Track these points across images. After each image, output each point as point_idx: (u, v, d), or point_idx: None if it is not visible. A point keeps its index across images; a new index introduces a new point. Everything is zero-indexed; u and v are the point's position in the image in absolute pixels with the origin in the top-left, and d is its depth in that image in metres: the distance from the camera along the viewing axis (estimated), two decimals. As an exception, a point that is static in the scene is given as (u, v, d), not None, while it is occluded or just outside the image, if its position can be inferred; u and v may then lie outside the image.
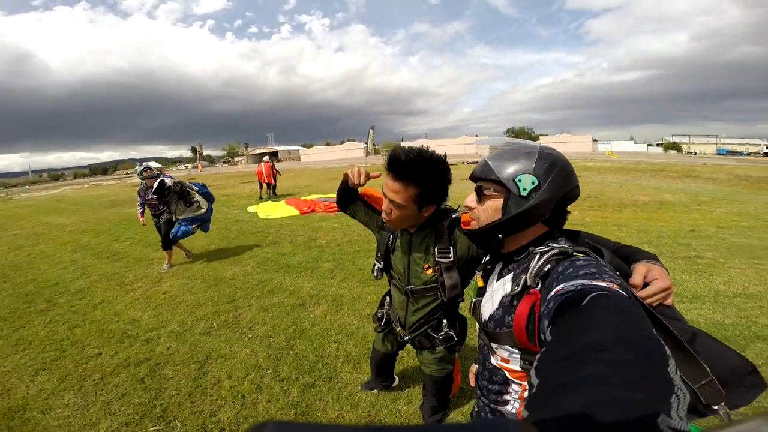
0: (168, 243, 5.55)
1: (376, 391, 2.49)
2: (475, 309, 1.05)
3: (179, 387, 2.67)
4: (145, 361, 3.04)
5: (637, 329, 0.47)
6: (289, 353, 3.03)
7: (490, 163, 0.94)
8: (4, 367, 3.10)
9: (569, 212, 0.97)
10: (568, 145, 52.26)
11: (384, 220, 1.46)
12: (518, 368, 0.91)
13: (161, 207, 5.47)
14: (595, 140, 58.15)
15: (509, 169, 0.90)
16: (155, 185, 5.23)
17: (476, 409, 1.10)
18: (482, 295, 1.04)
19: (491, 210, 0.93)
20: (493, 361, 0.98)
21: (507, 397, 0.95)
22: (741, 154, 60.72)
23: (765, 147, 64.40)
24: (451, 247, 1.47)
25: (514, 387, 0.93)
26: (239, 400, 2.51)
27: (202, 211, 5.54)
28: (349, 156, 53.19)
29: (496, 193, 0.93)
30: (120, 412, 2.46)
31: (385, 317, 1.96)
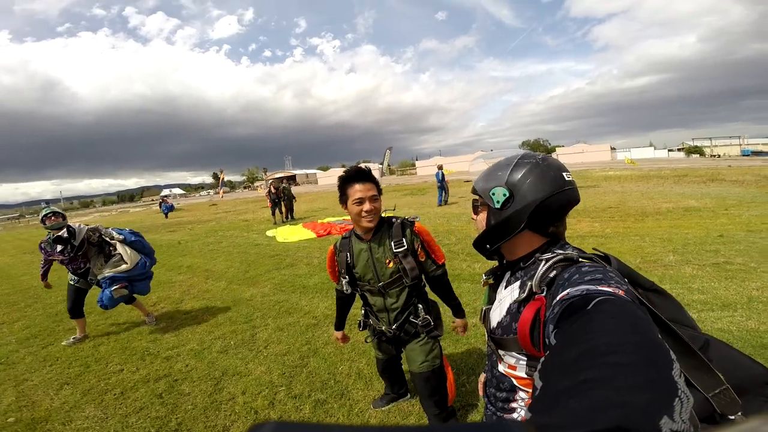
0: (78, 310, 4.08)
1: (386, 408, 2.48)
2: (485, 317, 1.06)
3: (195, 402, 2.73)
4: (164, 377, 3.13)
5: (641, 333, 0.47)
6: (302, 371, 3.06)
7: (477, 179, 1.02)
8: (31, 381, 3.25)
9: (560, 219, 0.95)
10: (586, 155, 50.99)
11: (368, 221, 1.81)
12: (525, 375, 0.91)
13: (82, 264, 4.03)
14: (613, 149, 56.22)
15: (486, 184, 0.96)
16: (62, 235, 3.90)
17: (484, 419, 1.10)
18: (492, 304, 1.06)
19: (482, 222, 1.01)
20: (500, 368, 0.98)
21: (514, 404, 0.95)
22: (767, 154, 58.28)
23: (793, 145, 62.33)
24: (403, 239, 1.85)
25: (521, 394, 0.93)
26: (252, 415, 2.54)
27: (125, 267, 3.99)
28: (365, 178, 53.66)
29: (483, 207, 1.00)
30: (137, 425, 2.53)
31: (364, 322, 2.20)
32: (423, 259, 1.91)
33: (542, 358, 0.52)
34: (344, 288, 2.01)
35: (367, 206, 1.77)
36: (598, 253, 0.88)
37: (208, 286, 5.94)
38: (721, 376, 0.65)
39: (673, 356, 0.42)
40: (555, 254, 0.85)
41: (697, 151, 67.51)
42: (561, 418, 0.34)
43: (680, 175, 17.65)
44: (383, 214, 1.96)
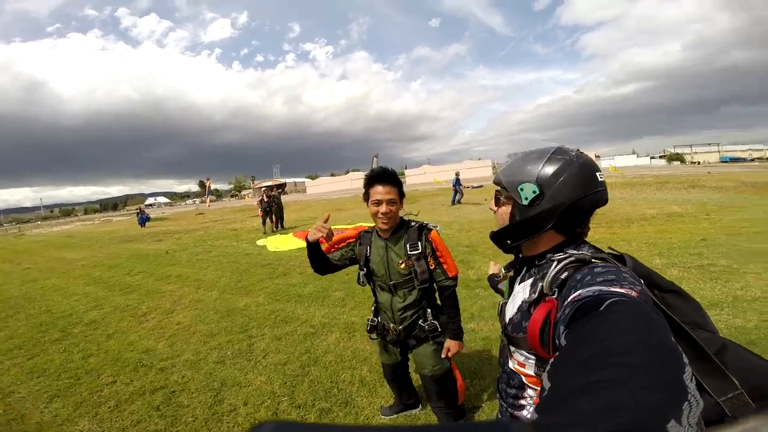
0: None
1: (395, 416, 2.46)
2: (501, 311, 1.06)
3: (195, 414, 2.66)
4: (160, 389, 3.04)
5: (654, 335, 0.46)
6: (304, 380, 3.01)
7: (502, 169, 0.98)
8: (18, 393, 3.12)
9: (587, 219, 0.93)
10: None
11: (383, 222, 1.87)
12: (533, 373, 0.90)
13: None
14: (597, 156, 57.33)
15: (514, 177, 0.91)
16: None
17: (499, 414, 1.09)
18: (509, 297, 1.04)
19: (504, 215, 0.97)
20: (510, 364, 0.98)
21: (523, 401, 0.94)
22: (744, 160, 61.23)
23: (768, 151, 65.02)
24: (419, 243, 1.90)
25: (530, 392, 0.93)
26: (256, 426, 2.48)
27: None
28: (354, 186, 52.96)
29: (507, 200, 0.96)
30: (137, 438, 2.45)
31: (372, 323, 2.13)
32: (432, 268, 1.93)
33: (552, 359, 0.51)
34: (361, 280, 2.06)
35: (383, 208, 1.83)
36: (614, 252, 0.88)
37: (200, 295, 5.81)
38: (735, 381, 0.64)
39: (686, 360, 0.42)
40: (567, 255, 0.83)
41: (678, 158, 70.20)
42: (570, 418, 0.34)
43: (662, 182, 18.20)
44: (406, 217, 2.04)
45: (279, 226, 14.07)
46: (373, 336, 2.18)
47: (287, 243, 9.86)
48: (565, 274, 0.79)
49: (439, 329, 2.00)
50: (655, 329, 0.48)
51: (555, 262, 0.82)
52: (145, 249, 11.97)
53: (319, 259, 1.98)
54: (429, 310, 2.01)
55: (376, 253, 1.98)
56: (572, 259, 0.80)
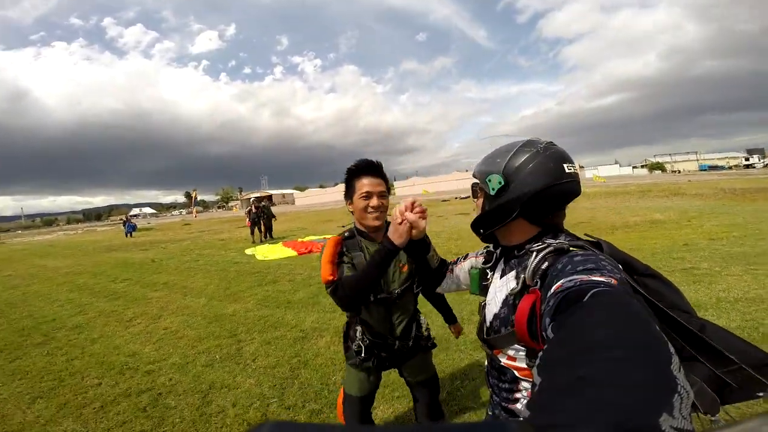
0: None
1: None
2: (481, 311, 1.03)
3: (183, 415, 2.61)
4: (147, 390, 2.99)
5: (639, 327, 0.46)
6: (294, 382, 2.99)
7: (477, 163, 1.02)
8: (0, 395, 3.04)
9: (557, 210, 0.93)
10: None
11: (374, 217, 1.60)
12: (525, 365, 0.88)
13: None
14: (581, 167, 58.48)
15: (484, 170, 0.96)
16: None
17: (491, 410, 1.06)
18: (486, 296, 1.03)
19: (479, 206, 1.02)
20: (501, 360, 0.96)
21: (518, 395, 0.92)
22: (722, 168, 63.55)
23: (744, 159, 69.13)
24: None
25: (524, 384, 0.91)
26: (245, 427, 2.45)
27: None
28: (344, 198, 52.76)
29: (481, 192, 1.00)
30: (122, 438, 2.40)
31: (363, 346, 1.71)
32: None
33: (540, 353, 0.51)
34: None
35: (374, 201, 1.59)
36: (590, 239, 0.89)
37: (187, 302, 5.73)
38: (733, 357, 0.66)
39: (672, 350, 0.41)
40: (545, 245, 0.84)
41: (659, 167, 72.13)
42: (560, 417, 0.34)
43: (645, 191, 18.57)
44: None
45: (267, 236, 13.98)
46: (367, 364, 1.72)
47: (276, 252, 9.81)
48: (546, 264, 0.80)
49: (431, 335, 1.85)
50: (639, 320, 0.48)
51: (534, 253, 0.84)
52: (130, 258, 11.78)
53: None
54: (422, 317, 1.83)
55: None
56: (551, 249, 0.82)
